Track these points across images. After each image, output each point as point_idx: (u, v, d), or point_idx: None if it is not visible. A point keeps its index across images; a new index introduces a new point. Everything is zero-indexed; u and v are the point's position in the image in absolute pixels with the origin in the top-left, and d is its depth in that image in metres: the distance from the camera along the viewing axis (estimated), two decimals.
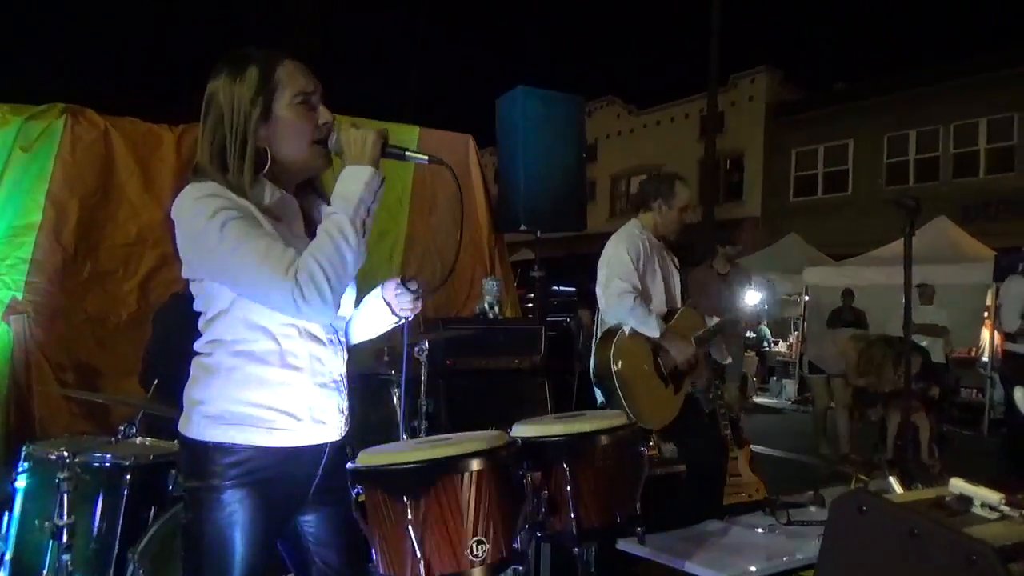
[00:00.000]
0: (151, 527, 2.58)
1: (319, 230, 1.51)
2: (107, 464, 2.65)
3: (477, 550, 1.45)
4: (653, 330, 3.27)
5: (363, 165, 1.54)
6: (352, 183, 1.53)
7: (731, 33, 20.94)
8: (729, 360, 7.34)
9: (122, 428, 2.82)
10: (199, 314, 1.61)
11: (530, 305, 6.35)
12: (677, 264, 3.74)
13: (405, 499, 1.43)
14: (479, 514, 1.50)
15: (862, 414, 7.65)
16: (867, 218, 16.02)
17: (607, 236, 3.65)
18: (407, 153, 1.62)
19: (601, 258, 3.53)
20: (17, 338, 3.85)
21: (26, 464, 2.73)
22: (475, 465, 1.51)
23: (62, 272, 4.01)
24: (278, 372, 1.57)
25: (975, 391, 10.20)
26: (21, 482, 2.71)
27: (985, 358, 10.84)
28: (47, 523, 2.46)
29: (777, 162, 20.85)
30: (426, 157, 1.62)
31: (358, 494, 1.52)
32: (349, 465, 1.58)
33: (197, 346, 1.61)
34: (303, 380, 1.60)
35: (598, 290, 3.51)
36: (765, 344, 14.19)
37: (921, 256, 10.14)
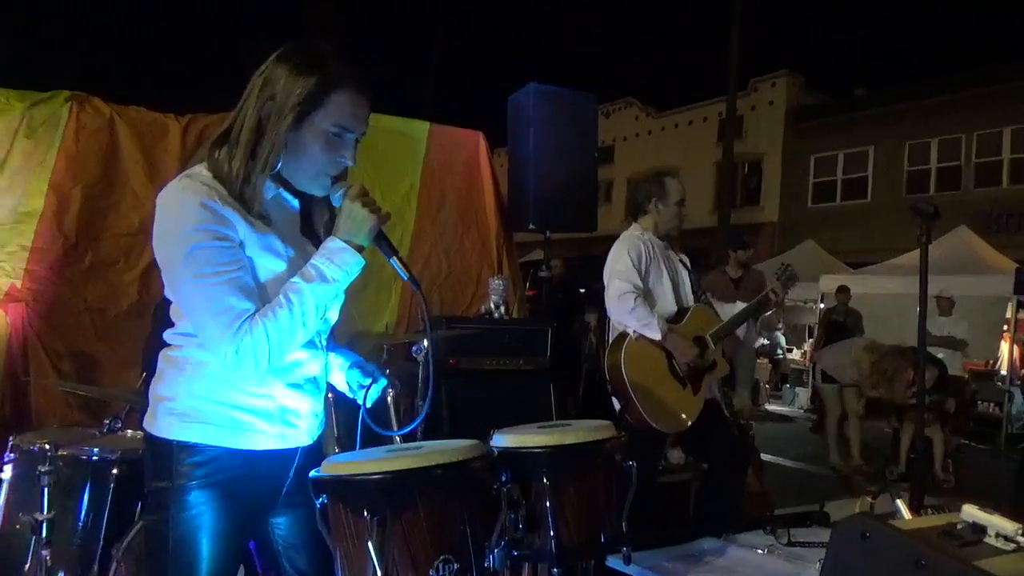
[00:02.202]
0: (136, 524, 2.52)
1: (281, 298, 1.45)
2: (94, 457, 2.60)
3: (443, 569, 1.36)
4: (655, 332, 3.19)
5: (352, 249, 1.49)
6: (334, 267, 1.48)
7: (752, 37, 20.74)
8: (764, 341, 7.18)
9: (107, 421, 2.76)
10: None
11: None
12: (687, 263, 3.66)
13: (365, 512, 1.35)
14: (446, 530, 1.41)
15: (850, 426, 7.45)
16: (886, 226, 15.81)
17: None
18: (392, 259, 1.56)
19: (605, 265, 3.47)
20: (15, 326, 3.81)
21: (12, 455, 2.68)
22: (441, 477, 1.42)
23: (63, 261, 3.96)
24: None
25: (992, 404, 9.99)
26: (6, 473, 2.66)
27: (1003, 371, 10.64)
28: (27, 517, 2.41)
29: (796, 167, 20.64)
30: (406, 275, 1.57)
31: (322, 504, 1.45)
32: (311, 474, 1.51)
33: (166, 336, 1.54)
34: (275, 382, 1.53)
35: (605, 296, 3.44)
36: (779, 351, 14.01)
37: (941, 266, 9.98)
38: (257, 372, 1.43)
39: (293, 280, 1.46)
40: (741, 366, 6.91)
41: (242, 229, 1.45)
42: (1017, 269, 9.78)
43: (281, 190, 1.57)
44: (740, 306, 3.73)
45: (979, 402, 9.95)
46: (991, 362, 10.93)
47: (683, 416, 3.26)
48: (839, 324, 8.87)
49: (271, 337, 1.40)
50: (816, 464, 7.38)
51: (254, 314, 1.41)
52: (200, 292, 1.40)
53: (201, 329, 1.44)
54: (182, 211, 1.41)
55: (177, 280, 1.44)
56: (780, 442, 8.47)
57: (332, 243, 1.49)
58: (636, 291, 3.23)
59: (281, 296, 1.44)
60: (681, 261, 3.64)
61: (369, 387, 1.70)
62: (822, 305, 12.07)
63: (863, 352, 6.85)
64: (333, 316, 1.69)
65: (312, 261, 1.48)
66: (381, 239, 1.54)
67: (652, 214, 3.52)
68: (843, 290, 9.31)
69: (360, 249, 1.50)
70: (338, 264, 1.47)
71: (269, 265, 1.49)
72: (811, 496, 4.89)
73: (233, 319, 1.39)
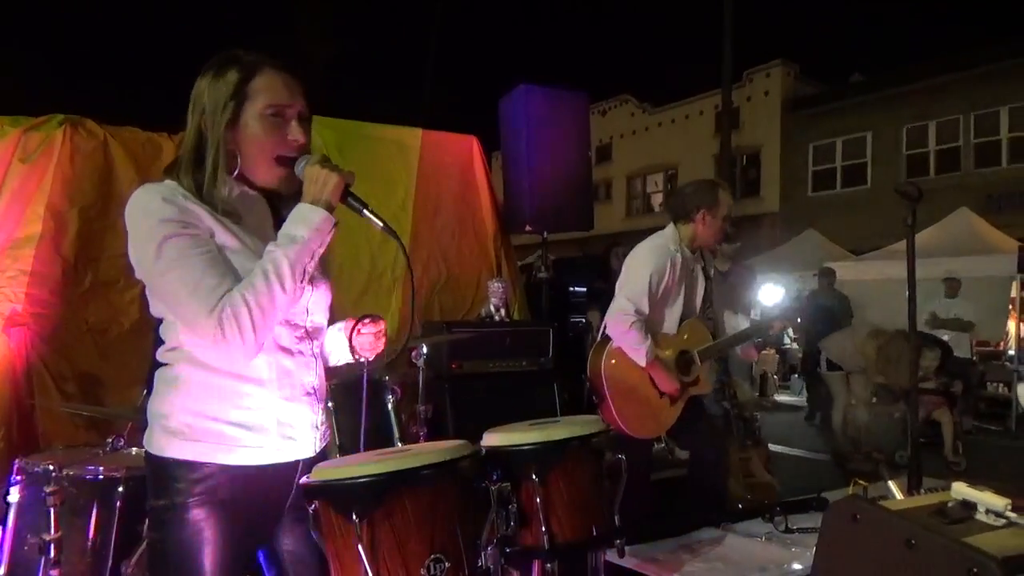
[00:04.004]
0: (144, 541, 2.53)
1: (256, 268, 1.45)
2: (100, 477, 2.61)
3: (435, 569, 1.37)
4: (640, 359, 3.14)
5: (317, 207, 1.48)
6: (301, 225, 1.47)
7: (745, 28, 20.74)
8: (756, 358, 7.17)
9: (110, 440, 2.78)
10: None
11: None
12: (709, 271, 3.56)
13: (354, 516, 1.36)
14: (435, 530, 1.41)
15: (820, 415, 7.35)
16: (887, 211, 15.75)
17: (623, 236, 3.54)
18: (365, 212, 1.54)
19: (627, 260, 3.38)
20: (18, 350, 3.84)
21: (19, 477, 2.70)
22: (428, 478, 1.43)
23: (62, 283, 4.00)
24: (241, 385, 1.50)
25: (1002, 385, 9.93)
26: (13, 495, 2.68)
27: (1011, 351, 10.59)
28: (35, 539, 2.43)
29: (794, 157, 20.61)
30: (380, 223, 1.54)
31: (314, 509, 1.45)
32: (302, 480, 1.51)
33: (159, 354, 1.54)
34: (268, 394, 1.52)
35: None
36: (786, 341, 13.94)
37: (944, 248, 9.94)
38: (246, 345, 1.41)
39: (266, 250, 1.47)
40: (736, 360, 6.88)
41: (209, 223, 1.46)
42: (1020, 248, 9.73)
43: (250, 190, 1.58)
44: (741, 319, 3.70)
45: (988, 383, 9.90)
46: (1002, 343, 10.87)
47: (656, 425, 3.26)
48: (826, 309, 8.71)
49: (250, 303, 1.39)
50: (825, 453, 7.35)
51: (231, 289, 1.42)
52: (176, 278, 1.40)
53: (183, 314, 1.44)
54: (146, 210, 1.44)
55: (154, 276, 1.44)
56: (788, 432, 8.45)
57: (298, 208, 1.50)
58: (637, 316, 3.14)
59: (255, 268, 1.45)
60: (704, 271, 3.51)
61: (360, 320, 1.70)
62: None
63: (867, 338, 6.84)
64: (322, 319, 1.69)
65: (281, 229, 1.49)
66: (348, 196, 1.53)
67: (697, 223, 3.35)
68: (827, 272, 8.97)
69: (329, 209, 1.50)
70: (305, 223, 1.47)
71: (239, 260, 1.48)
72: (820, 486, 4.87)
73: (209, 293, 1.39)
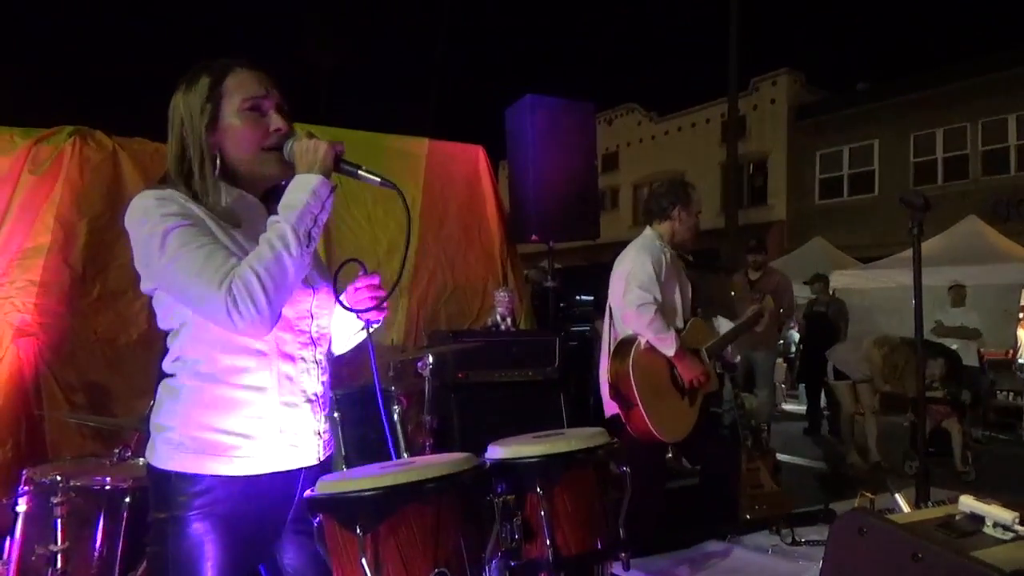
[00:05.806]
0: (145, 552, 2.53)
1: (260, 239, 1.45)
2: (106, 487, 2.62)
3: None
4: (669, 348, 3.19)
5: (311, 173, 1.49)
6: (298, 192, 1.48)
7: (751, 36, 20.78)
8: (738, 359, 7.24)
9: (117, 451, 2.79)
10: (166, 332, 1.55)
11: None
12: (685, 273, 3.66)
13: (357, 529, 1.36)
14: (440, 544, 1.41)
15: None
16: (894, 219, 15.67)
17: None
18: (360, 172, 1.55)
19: (619, 268, 3.44)
20: (27, 361, 3.86)
21: (26, 488, 2.71)
22: (431, 492, 1.42)
23: (71, 293, 4.02)
24: (241, 393, 1.49)
25: (1011, 394, 9.84)
26: (21, 506, 2.69)
27: (1021, 359, 10.51)
28: (42, 549, 2.44)
29: (801, 165, 20.57)
30: (378, 179, 1.55)
31: (319, 522, 1.45)
32: (306, 493, 1.51)
33: (164, 365, 1.54)
34: (269, 401, 1.52)
35: (614, 300, 3.42)
36: (793, 350, 13.88)
37: (952, 256, 9.90)
38: (262, 315, 1.38)
39: (268, 222, 1.47)
40: (761, 368, 6.91)
41: (210, 224, 1.46)
42: None
43: (245, 194, 1.58)
44: (725, 323, 3.75)
45: (998, 392, 9.81)
46: (1011, 351, 10.79)
47: (682, 427, 3.27)
48: (821, 315, 8.72)
49: (259, 271, 1.38)
50: (834, 463, 7.31)
51: (237, 264, 1.41)
52: (184, 264, 1.39)
53: (193, 296, 1.41)
54: (146, 211, 1.43)
55: (161, 268, 1.42)
56: (795, 441, 8.40)
57: (294, 179, 1.50)
58: (656, 303, 3.21)
59: (260, 240, 1.45)
60: (685, 272, 3.62)
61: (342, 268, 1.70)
62: None
63: (874, 346, 6.80)
64: (327, 324, 1.68)
65: (281, 201, 1.49)
66: (342, 163, 1.54)
67: (674, 221, 3.50)
68: (819, 279, 9.04)
69: (324, 174, 1.50)
70: (302, 188, 1.47)
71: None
72: (829, 496, 4.85)
73: (216, 269, 1.38)
